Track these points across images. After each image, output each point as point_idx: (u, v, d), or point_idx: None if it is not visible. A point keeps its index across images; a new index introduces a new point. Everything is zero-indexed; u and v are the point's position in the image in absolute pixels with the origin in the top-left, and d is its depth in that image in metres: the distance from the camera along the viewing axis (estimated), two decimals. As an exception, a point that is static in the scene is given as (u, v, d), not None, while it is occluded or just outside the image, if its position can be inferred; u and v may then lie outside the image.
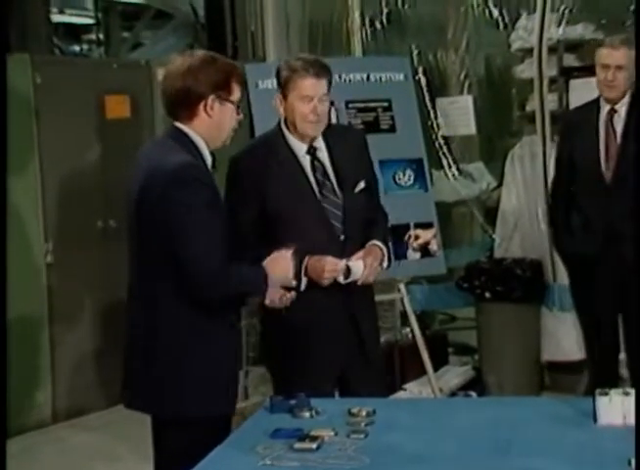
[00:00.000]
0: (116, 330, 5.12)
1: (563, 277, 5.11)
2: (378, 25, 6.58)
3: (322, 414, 2.82)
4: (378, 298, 5.43)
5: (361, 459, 2.43)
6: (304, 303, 3.22)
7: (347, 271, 3.24)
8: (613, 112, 4.16)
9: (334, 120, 4.50)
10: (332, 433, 2.62)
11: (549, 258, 5.43)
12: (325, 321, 3.36)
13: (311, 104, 3.22)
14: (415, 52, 6.54)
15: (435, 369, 5.18)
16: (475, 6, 6.58)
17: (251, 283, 2.88)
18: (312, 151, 3.34)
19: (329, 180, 3.34)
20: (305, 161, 3.33)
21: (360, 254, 3.29)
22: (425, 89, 5.76)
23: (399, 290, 5.00)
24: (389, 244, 3.45)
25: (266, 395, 4.88)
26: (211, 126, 2.84)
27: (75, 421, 5.54)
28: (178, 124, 2.85)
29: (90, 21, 10.78)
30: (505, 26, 6.38)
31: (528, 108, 5.80)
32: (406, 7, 6.68)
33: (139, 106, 5.88)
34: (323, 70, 3.26)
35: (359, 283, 3.29)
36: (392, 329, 5.74)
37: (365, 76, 4.62)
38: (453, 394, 5.17)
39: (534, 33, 5.67)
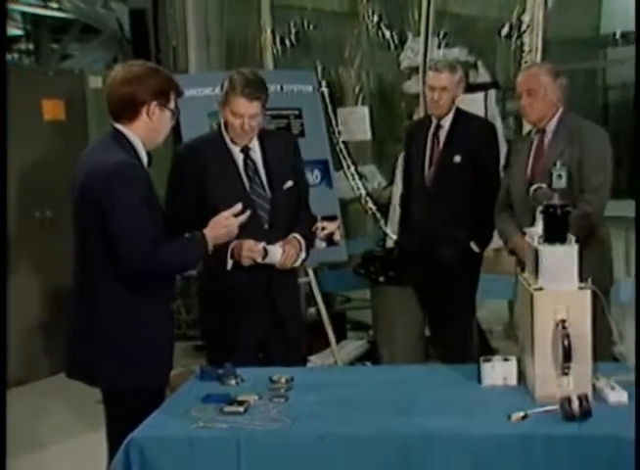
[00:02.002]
0: (56, 308, 5.17)
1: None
2: (287, 43, 6.62)
3: (246, 381, 2.84)
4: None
5: (283, 420, 2.47)
6: (232, 283, 3.31)
7: (265, 253, 3.28)
8: (439, 126, 4.23)
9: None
10: (256, 398, 2.65)
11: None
12: (248, 300, 3.39)
13: (241, 120, 3.26)
14: (319, 67, 6.58)
15: (336, 343, 5.25)
16: (369, 28, 6.67)
17: (182, 254, 2.88)
18: (246, 150, 3.38)
19: (259, 177, 3.38)
20: (239, 159, 3.37)
21: (281, 242, 3.34)
22: (328, 100, 5.82)
23: (307, 274, 5.04)
24: (312, 241, 3.51)
25: (188, 366, 4.88)
26: (150, 129, 2.83)
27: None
28: (118, 126, 2.83)
29: (19, 32, 10.45)
30: (395, 47, 6.48)
31: (415, 118, 5.90)
32: (311, 28, 6.74)
33: (73, 109, 5.83)
34: (257, 92, 3.28)
35: (277, 266, 3.34)
36: (299, 309, 5.77)
37: (279, 87, 4.65)
38: (352, 364, 5.25)
39: (419, 54, 5.78)
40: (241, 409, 2.55)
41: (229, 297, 3.39)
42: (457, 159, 4.20)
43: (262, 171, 3.39)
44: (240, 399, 2.63)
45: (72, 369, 2.90)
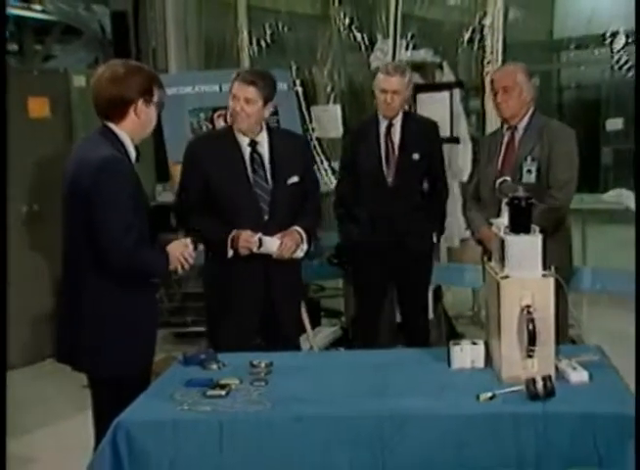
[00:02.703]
0: (44, 297, 5.11)
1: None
2: (263, 44, 6.60)
3: (228, 366, 2.83)
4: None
5: (264, 403, 2.46)
6: (233, 271, 3.37)
7: (260, 243, 3.30)
8: (390, 126, 4.19)
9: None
10: (238, 382, 2.64)
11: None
12: (246, 288, 3.42)
13: (237, 103, 3.30)
14: (294, 67, 6.57)
15: (311, 330, 5.23)
16: (341, 31, 6.67)
17: (155, 264, 2.86)
18: (253, 144, 3.41)
19: (263, 170, 3.40)
20: (246, 151, 3.40)
21: (280, 234, 3.36)
22: (302, 98, 5.80)
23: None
24: (314, 234, 3.53)
25: (169, 352, 4.85)
26: (138, 126, 2.81)
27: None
28: (108, 124, 2.80)
29: (2, 32, 10.30)
30: (366, 49, 6.49)
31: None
32: (286, 29, 6.73)
33: (57, 107, 5.75)
34: (254, 78, 3.34)
35: (274, 256, 3.35)
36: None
37: (256, 86, 4.62)
38: (326, 349, 5.24)
39: (389, 55, 5.78)
40: (223, 393, 2.54)
41: (229, 285, 3.41)
42: (415, 156, 4.21)
43: (267, 165, 3.41)
44: (222, 382, 2.62)
45: (61, 354, 2.88)
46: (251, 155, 3.39)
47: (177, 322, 5.75)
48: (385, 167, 4.21)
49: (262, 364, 2.81)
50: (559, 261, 3.55)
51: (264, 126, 3.44)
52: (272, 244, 3.32)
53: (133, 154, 2.83)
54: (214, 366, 2.84)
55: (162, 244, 2.91)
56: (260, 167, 3.39)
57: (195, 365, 2.86)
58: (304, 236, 3.42)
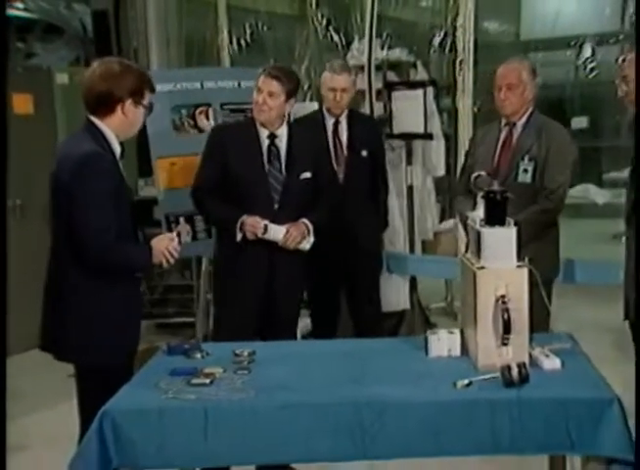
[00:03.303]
0: (29, 287, 5.03)
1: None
2: (243, 43, 6.57)
3: (211, 355, 2.80)
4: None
5: (248, 391, 2.44)
6: (238, 258, 3.43)
7: (265, 229, 3.34)
8: (337, 123, 4.17)
9: (212, 121, 4.48)
10: (221, 370, 2.62)
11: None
12: (250, 274, 3.45)
13: (260, 95, 3.35)
14: (273, 66, 6.51)
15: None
16: (318, 31, 6.66)
17: (136, 258, 2.82)
18: (272, 137, 3.44)
19: (279, 162, 3.44)
20: (265, 143, 3.44)
21: (288, 224, 3.39)
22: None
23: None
24: (320, 227, 3.50)
25: (152, 343, 4.81)
26: (124, 124, 2.78)
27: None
28: (93, 119, 2.75)
29: (-17, 31, 10.15)
30: (342, 48, 6.48)
31: (361, 111, 5.88)
32: (265, 29, 6.71)
33: (41, 104, 5.68)
34: (279, 73, 3.38)
35: (279, 244, 3.38)
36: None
37: (237, 84, 4.59)
38: (303, 337, 5.21)
39: (365, 54, 5.77)
40: (207, 381, 2.52)
41: (234, 268, 3.45)
42: (364, 153, 4.22)
43: (283, 158, 3.45)
44: (206, 371, 2.60)
45: (45, 344, 2.84)
46: (269, 147, 3.44)
47: (159, 313, 5.71)
48: (335, 167, 4.18)
49: (245, 353, 2.79)
50: (549, 259, 3.58)
51: (285, 121, 3.47)
52: (278, 232, 3.37)
53: (118, 150, 2.78)
54: (198, 355, 2.81)
55: (147, 238, 2.87)
56: (276, 159, 3.43)
57: (179, 355, 2.83)
58: (311, 229, 3.44)
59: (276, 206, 3.42)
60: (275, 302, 3.48)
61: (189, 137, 4.42)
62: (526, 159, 3.55)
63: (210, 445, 2.33)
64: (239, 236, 3.40)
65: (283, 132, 3.45)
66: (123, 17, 7.00)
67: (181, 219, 4.34)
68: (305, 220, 3.44)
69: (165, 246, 2.82)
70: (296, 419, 2.34)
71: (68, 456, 2.37)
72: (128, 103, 2.74)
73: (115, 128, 2.76)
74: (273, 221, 3.38)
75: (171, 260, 2.84)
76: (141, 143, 4.81)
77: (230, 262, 3.50)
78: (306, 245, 3.44)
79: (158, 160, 4.34)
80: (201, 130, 4.45)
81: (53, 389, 4.52)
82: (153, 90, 2.84)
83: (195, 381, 2.52)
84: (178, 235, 2.93)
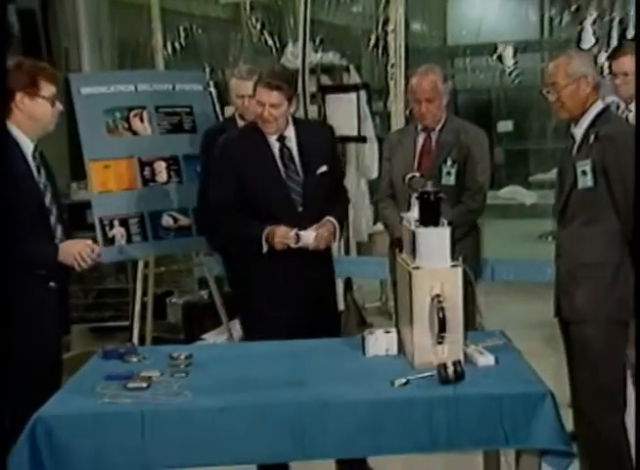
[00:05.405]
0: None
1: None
2: (177, 46, 6.48)
3: (148, 359, 2.74)
4: (179, 267, 5.38)
5: (185, 394, 2.39)
6: (267, 267, 3.24)
7: (297, 238, 3.18)
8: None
9: (147, 124, 4.38)
10: (158, 374, 2.56)
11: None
12: (283, 284, 3.27)
13: (262, 108, 3.20)
14: (207, 69, 6.45)
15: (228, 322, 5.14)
16: (252, 34, 6.61)
17: (35, 255, 2.78)
18: (281, 139, 3.30)
19: (293, 163, 3.30)
20: (275, 147, 3.30)
21: (315, 225, 3.25)
22: (216, 99, 5.70)
23: (200, 260, 4.90)
24: (345, 221, 3.43)
25: (86, 347, 4.69)
26: (26, 120, 2.75)
27: None
28: (7, 121, 2.75)
29: None
30: (277, 52, 6.44)
31: (296, 116, 5.86)
32: (199, 32, 6.62)
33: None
34: (278, 82, 3.19)
35: (310, 248, 3.23)
36: (192, 292, 5.64)
37: (171, 87, 4.50)
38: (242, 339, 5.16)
39: (299, 58, 5.75)
40: (144, 385, 2.46)
41: (265, 280, 3.27)
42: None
43: (297, 158, 3.31)
44: (142, 375, 2.53)
45: None
46: (281, 150, 3.30)
47: (94, 317, 5.57)
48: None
49: (182, 356, 2.73)
50: (474, 256, 3.63)
51: (290, 120, 3.33)
52: (309, 237, 3.22)
53: (30, 148, 2.76)
54: (134, 359, 2.74)
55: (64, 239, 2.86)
56: (290, 161, 3.30)
57: (114, 359, 2.75)
58: (337, 225, 3.33)
59: (300, 208, 3.28)
60: (317, 309, 3.31)
61: (123, 140, 4.32)
62: (449, 162, 3.58)
63: (148, 449, 2.27)
64: (265, 247, 3.21)
65: (291, 132, 3.32)
66: (52, 17, 6.77)
67: (115, 222, 4.24)
68: (331, 218, 3.31)
69: (79, 250, 2.78)
70: (234, 421, 2.30)
71: None
72: (19, 97, 2.72)
73: (19, 125, 2.74)
74: (299, 223, 3.23)
75: (83, 265, 2.80)
76: (74, 146, 4.68)
77: (260, 275, 3.29)
78: (333, 242, 3.36)
79: (90, 162, 4.23)
80: (135, 133, 4.36)
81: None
82: (52, 81, 2.80)
83: (131, 385, 2.46)
84: (95, 243, 2.91)
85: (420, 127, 3.69)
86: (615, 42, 5.93)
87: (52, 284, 2.82)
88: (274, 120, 3.22)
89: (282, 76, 3.25)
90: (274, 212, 3.22)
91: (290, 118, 3.32)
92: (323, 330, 3.14)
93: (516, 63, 8.84)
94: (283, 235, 3.19)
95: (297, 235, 3.18)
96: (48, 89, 2.77)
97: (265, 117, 3.21)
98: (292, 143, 3.32)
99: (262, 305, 3.29)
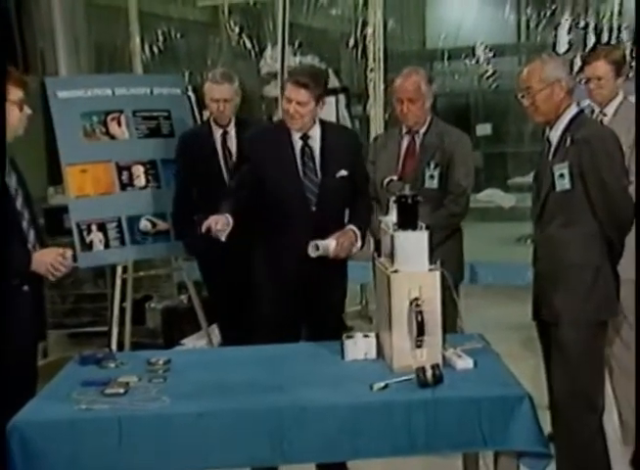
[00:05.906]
0: None
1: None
2: (155, 50, 6.43)
3: (125, 365, 2.72)
4: (158, 271, 5.34)
5: (163, 399, 2.38)
6: (283, 272, 3.25)
7: (316, 247, 3.13)
8: (225, 134, 4.00)
9: (124, 128, 4.34)
10: (136, 379, 2.54)
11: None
12: (298, 289, 3.26)
13: (289, 105, 3.20)
14: (186, 73, 6.44)
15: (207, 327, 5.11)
16: (231, 38, 6.59)
17: (16, 263, 2.73)
18: (305, 138, 3.31)
19: (313, 162, 3.30)
20: (298, 145, 3.30)
21: (336, 234, 3.22)
22: (195, 103, 5.68)
23: (179, 265, 4.87)
24: (367, 230, 3.40)
25: (64, 353, 4.64)
26: None
27: None
28: None
29: None
30: (255, 55, 6.43)
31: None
32: (178, 36, 6.59)
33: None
34: (306, 80, 3.19)
35: (331, 257, 3.19)
36: (171, 296, 5.61)
37: (149, 91, 4.47)
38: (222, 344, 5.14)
39: (278, 61, 5.75)
40: (121, 391, 2.44)
41: (281, 284, 3.26)
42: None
43: (318, 158, 3.31)
44: (120, 381, 2.51)
45: None
46: (302, 148, 3.31)
47: (72, 323, 5.52)
48: (225, 173, 3.97)
49: (160, 362, 2.72)
50: (456, 260, 3.63)
51: (317, 121, 3.33)
52: (328, 246, 3.17)
53: None
54: (112, 365, 2.72)
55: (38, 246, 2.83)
56: (310, 160, 3.31)
57: (92, 365, 2.73)
58: (359, 234, 3.31)
59: (313, 208, 3.28)
60: (326, 315, 3.31)
61: (100, 144, 4.29)
62: (432, 165, 3.58)
63: (125, 455, 2.26)
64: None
65: (316, 132, 3.32)
66: (27, 15, 6.66)
67: (93, 227, 4.21)
68: (352, 227, 3.31)
69: (51, 259, 2.76)
70: (212, 426, 2.29)
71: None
72: None
73: None
74: (313, 223, 3.21)
75: (56, 274, 2.78)
76: (50, 150, 4.64)
77: (275, 279, 3.29)
78: (354, 250, 3.31)
79: (68, 167, 4.19)
80: (113, 137, 4.33)
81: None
82: (19, 84, 2.76)
83: (108, 391, 2.44)
84: (70, 253, 2.86)
85: (405, 130, 3.70)
86: (589, 47, 5.99)
87: (25, 288, 2.78)
88: (300, 117, 3.23)
89: (311, 75, 3.27)
90: (287, 208, 3.24)
91: (317, 120, 3.33)
92: (327, 332, 3.13)
93: (493, 66, 8.90)
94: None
95: (317, 245, 3.15)
96: (15, 93, 2.72)
97: (291, 114, 3.22)
98: (315, 143, 3.33)
99: (267, 307, 3.29)
